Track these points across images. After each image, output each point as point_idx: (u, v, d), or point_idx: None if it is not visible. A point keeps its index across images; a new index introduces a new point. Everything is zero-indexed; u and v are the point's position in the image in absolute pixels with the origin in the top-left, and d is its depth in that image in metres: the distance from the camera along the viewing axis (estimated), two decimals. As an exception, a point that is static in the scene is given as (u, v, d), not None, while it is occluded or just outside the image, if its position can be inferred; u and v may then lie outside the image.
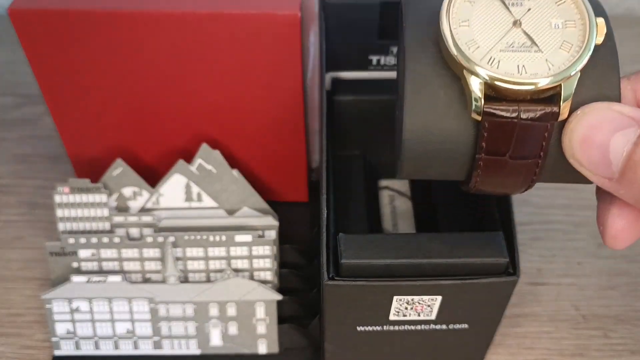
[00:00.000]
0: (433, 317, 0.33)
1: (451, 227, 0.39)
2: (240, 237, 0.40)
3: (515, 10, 0.24)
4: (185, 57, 0.38)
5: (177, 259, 0.40)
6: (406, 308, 0.32)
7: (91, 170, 0.44)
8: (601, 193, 0.25)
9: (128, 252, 0.40)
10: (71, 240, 0.40)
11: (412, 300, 0.32)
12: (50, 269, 0.40)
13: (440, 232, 0.39)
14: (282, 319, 0.40)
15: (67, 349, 0.40)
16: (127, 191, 0.41)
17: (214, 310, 0.39)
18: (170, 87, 0.39)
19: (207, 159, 0.41)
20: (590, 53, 0.23)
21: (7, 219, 0.48)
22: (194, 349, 0.40)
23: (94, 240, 0.40)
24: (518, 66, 0.23)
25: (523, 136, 0.23)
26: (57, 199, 0.40)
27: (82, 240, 0.40)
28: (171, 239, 0.40)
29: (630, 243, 0.25)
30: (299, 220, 0.45)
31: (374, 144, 0.42)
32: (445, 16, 0.23)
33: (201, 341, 0.40)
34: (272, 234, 0.41)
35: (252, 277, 0.40)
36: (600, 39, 0.23)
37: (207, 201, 0.41)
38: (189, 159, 0.41)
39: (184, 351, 0.40)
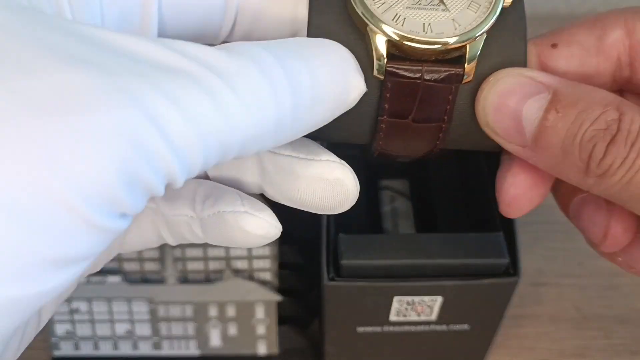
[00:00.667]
0: (434, 317, 0.33)
1: (451, 227, 0.39)
2: (239, 238, 0.39)
3: None
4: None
5: (177, 259, 0.40)
6: (407, 309, 0.32)
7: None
8: (502, 160, 0.25)
9: (127, 252, 0.40)
10: (70, 241, 0.40)
11: (413, 300, 0.32)
12: (50, 270, 0.40)
13: (440, 232, 0.39)
14: (281, 320, 0.40)
15: (66, 349, 0.40)
16: (127, 191, 0.41)
17: (213, 311, 0.39)
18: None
19: (207, 159, 0.41)
20: (497, 15, 0.22)
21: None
22: (193, 350, 0.40)
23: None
24: (424, 24, 0.22)
25: (426, 98, 0.22)
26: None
27: (81, 240, 0.40)
28: (170, 239, 0.39)
29: (525, 212, 0.25)
30: (299, 220, 0.45)
31: (374, 144, 0.42)
32: None
33: (200, 342, 0.40)
34: (272, 234, 0.41)
35: (251, 278, 0.40)
36: (508, 1, 0.23)
37: (207, 201, 0.41)
38: (188, 159, 0.41)
39: (183, 352, 0.40)
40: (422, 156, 0.25)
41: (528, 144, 0.22)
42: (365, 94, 0.22)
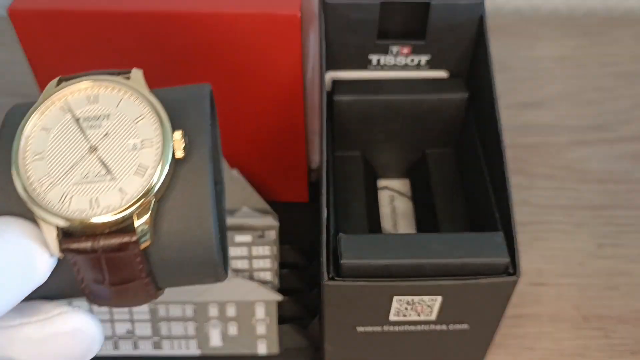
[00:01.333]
0: (433, 317, 0.33)
1: (451, 227, 0.39)
2: (240, 237, 0.40)
3: (93, 133, 0.22)
4: (186, 56, 0.37)
5: (177, 259, 0.40)
6: (406, 308, 0.32)
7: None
8: None
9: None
10: (71, 241, 0.40)
11: (412, 300, 0.32)
12: (50, 269, 0.40)
13: (440, 232, 0.39)
14: (282, 319, 0.40)
15: (66, 349, 0.40)
16: (127, 191, 0.41)
17: (213, 311, 0.39)
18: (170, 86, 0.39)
19: (207, 159, 0.41)
20: (163, 175, 0.22)
21: (7, 219, 0.48)
22: (193, 350, 0.40)
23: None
24: (91, 200, 0.21)
25: (113, 266, 0.22)
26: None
27: (82, 240, 0.40)
28: (171, 239, 0.39)
29: None
30: (299, 220, 0.45)
31: (373, 144, 0.42)
32: (15, 156, 0.22)
33: (201, 341, 0.40)
34: (272, 234, 0.41)
35: (252, 278, 0.40)
36: (180, 154, 0.22)
37: (207, 201, 0.41)
38: (189, 159, 0.41)
39: (183, 351, 0.40)
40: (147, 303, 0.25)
41: None
42: (56, 273, 0.22)
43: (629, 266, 0.45)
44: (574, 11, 0.67)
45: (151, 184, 0.22)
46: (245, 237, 0.39)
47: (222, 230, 0.25)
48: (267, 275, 0.40)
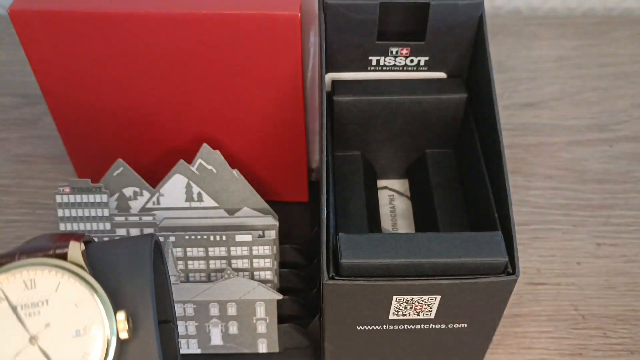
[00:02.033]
0: (432, 316, 0.33)
1: (450, 227, 0.39)
2: (240, 237, 0.40)
3: (33, 322, 0.21)
4: (186, 57, 0.38)
5: (178, 258, 0.40)
6: (406, 307, 0.32)
7: (92, 170, 0.44)
8: None
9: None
10: (72, 240, 0.40)
11: (412, 299, 0.32)
12: (51, 269, 0.41)
13: (440, 231, 0.39)
14: (282, 319, 0.40)
15: (67, 348, 0.40)
16: (128, 191, 0.41)
17: (214, 310, 0.39)
18: (170, 87, 0.39)
19: (208, 159, 0.41)
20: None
21: (8, 219, 0.48)
22: (194, 349, 0.40)
23: (95, 240, 0.40)
24: None
25: None
26: (58, 199, 0.40)
27: (83, 240, 0.40)
28: (172, 238, 0.40)
29: None
30: (299, 220, 0.45)
31: (373, 144, 0.42)
32: None
33: (201, 340, 0.40)
34: (272, 234, 0.41)
35: (252, 277, 0.40)
36: (125, 335, 0.22)
37: (208, 201, 0.41)
38: (189, 159, 0.41)
39: (184, 350, 0.40)
40: None
41: None
42: None
43: (628, 266, 0.46)
44: (573, 11, 0.67)
45: None
46: (246, 237, 0.40)
47: None
48: (267, 275, 0.40)
